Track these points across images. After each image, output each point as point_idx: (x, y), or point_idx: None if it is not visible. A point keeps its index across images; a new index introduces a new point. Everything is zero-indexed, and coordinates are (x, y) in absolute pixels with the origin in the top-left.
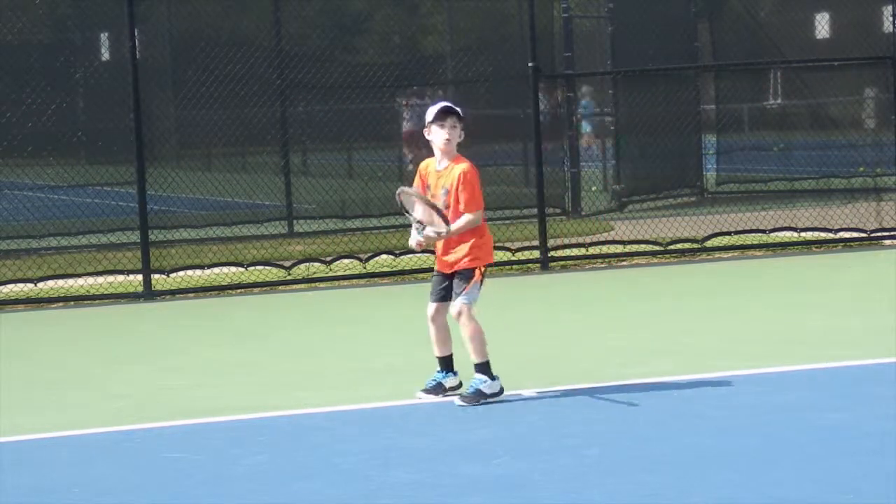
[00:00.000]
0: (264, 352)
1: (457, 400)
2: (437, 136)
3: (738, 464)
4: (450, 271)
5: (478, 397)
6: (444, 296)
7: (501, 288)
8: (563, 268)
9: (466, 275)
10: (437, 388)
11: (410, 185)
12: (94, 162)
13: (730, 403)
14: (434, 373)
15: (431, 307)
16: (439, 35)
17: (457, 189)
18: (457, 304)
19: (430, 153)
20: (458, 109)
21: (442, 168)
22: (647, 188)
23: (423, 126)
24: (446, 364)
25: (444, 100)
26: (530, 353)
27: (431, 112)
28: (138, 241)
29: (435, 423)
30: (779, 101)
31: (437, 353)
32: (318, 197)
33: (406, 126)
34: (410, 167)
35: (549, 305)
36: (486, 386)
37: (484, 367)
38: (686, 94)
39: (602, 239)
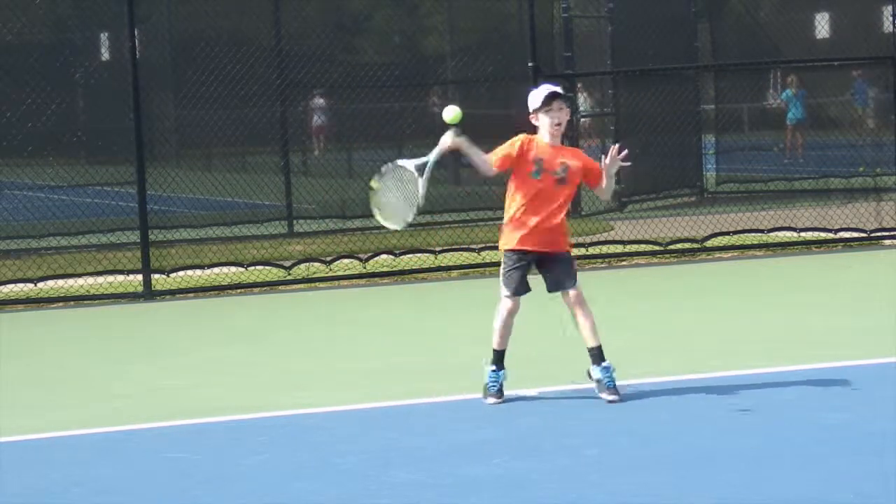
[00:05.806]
0: (264, 352)
1: (606, 396)
2: (551, 119)
3: (738, 464)
4: (547, 251)
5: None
6: (527, 287)
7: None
8: None
9: (570, 258)
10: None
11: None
12: (94, 162)
13: (730, 403)
14: (482, 371)
15: (517, 301)
16: (439, 35)
17: (586, 163)
18: (578, 288)
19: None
20: (562, 92)
21: (557, 145)
22: (647, 188)
23: (323, 122)
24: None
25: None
26: (530, 353)
27: (538, 98)
28: (138, 241)
29: (435, 423)
30: (779, 100)
31: (503, 346)
32: (318, 197)
33: (316, 122)
34: (316, 152)
35: (549, 305)
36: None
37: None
38: (686, 94)
39: (602, 239)
